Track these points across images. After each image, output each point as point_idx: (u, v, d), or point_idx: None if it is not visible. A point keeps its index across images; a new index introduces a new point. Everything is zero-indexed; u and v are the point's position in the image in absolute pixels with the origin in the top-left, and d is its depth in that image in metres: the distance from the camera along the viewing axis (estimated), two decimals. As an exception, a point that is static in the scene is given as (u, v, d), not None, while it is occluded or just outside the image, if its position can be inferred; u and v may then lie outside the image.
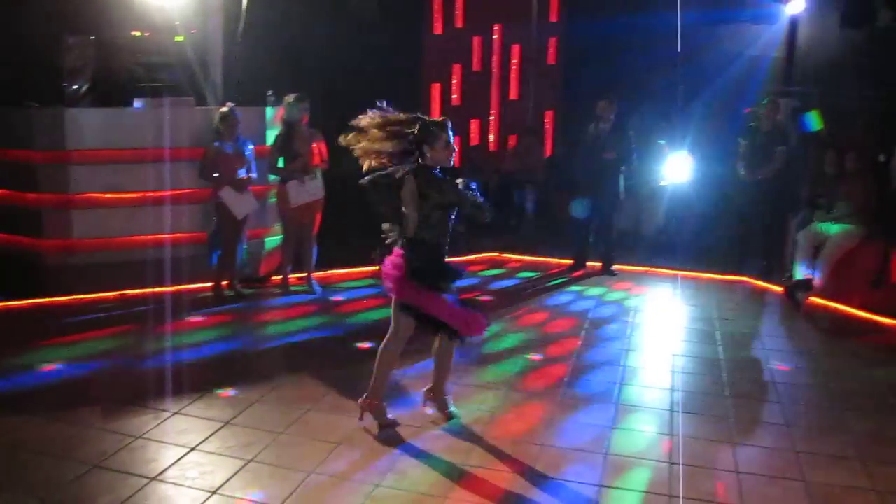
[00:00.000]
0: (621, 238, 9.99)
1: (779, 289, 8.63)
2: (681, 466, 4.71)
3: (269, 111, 8.66)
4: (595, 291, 8.70)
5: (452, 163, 5.02)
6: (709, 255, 9.86)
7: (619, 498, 4.39)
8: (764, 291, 8.84)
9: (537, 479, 4.53)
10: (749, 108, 10.38)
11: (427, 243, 4.92)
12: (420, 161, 4.92)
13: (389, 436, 5.01)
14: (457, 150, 5.06)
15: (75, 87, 8.42)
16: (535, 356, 6.57)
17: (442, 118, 5.00)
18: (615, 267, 9.42)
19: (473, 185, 5.00)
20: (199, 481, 4.40)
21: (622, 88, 9.84)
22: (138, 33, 9.35)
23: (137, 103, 8.24)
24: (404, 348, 5.15)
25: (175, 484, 4.38)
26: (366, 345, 6.54)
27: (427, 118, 4.98)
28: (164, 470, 4.52)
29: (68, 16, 8.56)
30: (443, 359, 5.22)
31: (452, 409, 5.29)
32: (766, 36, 11.72)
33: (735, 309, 8.15)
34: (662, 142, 10.84)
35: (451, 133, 4.94)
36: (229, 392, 5.62)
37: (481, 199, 4.98)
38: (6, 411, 5.22)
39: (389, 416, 5.17)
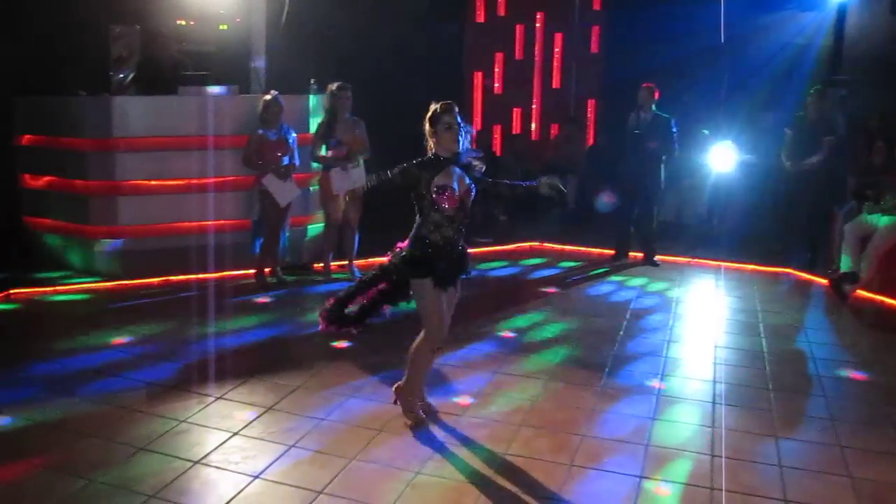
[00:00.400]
0: (663, 228, 9.91)
1: (824, 281, 8.50)
2: (723, 459, 4.67)
3: (312, 99, 8.71)
4: (637, 282, 8.63)
5: (474, 152, 4.82)
6: (752, 246, 9.74)
7: (660, 489, 4.36)
8: (809, 283, 8.71)
9: (578, 469, 4.52)
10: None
11: (428, 240, 4.72)
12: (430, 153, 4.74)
13: (429, 424, 5.01)
14: (460, 134, 4.67)
15: (121, 75, 8.54)
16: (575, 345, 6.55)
17: (447, 101, 4.70)
18: (657, 257, 9.34)
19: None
20: (242, 466, 4.45)
21: (665, 77, 9.74)
22: (183, 22, 9.44)
23: (182, 91, 8.33)
24: (446, 336, 5.07)
25: (218, 468, 4.43)
26: (406, 332, 6.54)
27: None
28: (208, 454, 4.58)
29: (114, 5, 8.67)
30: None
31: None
32: (813, 23, 11.54)
33: (779, 301, 8.04)
34: (706, 131, 10.73)
35: (456, 115, 4.66)
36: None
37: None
38: (54, 394, 5.32)
39: (430, 401, 5.17)
